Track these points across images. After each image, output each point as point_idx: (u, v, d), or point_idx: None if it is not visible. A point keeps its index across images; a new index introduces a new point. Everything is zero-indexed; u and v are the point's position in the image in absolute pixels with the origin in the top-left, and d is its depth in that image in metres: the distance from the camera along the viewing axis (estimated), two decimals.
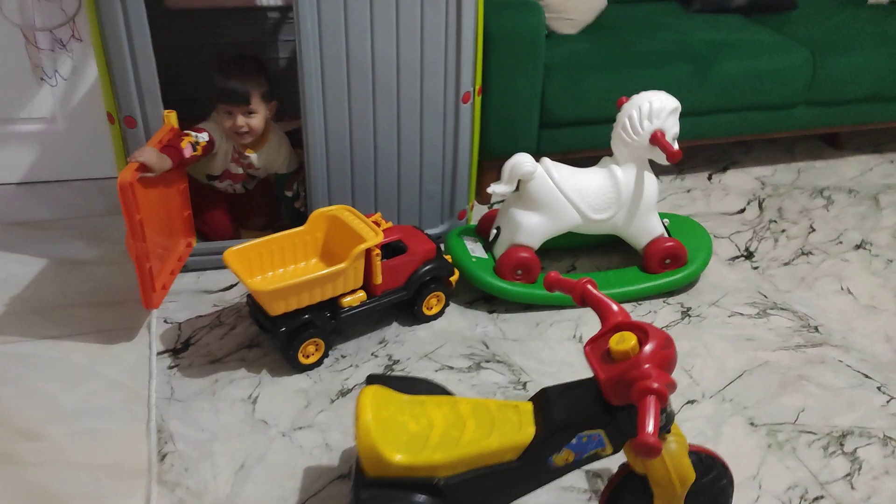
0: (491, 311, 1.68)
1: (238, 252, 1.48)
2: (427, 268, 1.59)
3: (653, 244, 1.73)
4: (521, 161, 1.62)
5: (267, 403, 1.41)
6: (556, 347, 1.57)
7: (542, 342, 1.59)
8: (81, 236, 1.86)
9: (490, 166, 2.01)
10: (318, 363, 1.50)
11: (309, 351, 1.48)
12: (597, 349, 1.03)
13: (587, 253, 1.88)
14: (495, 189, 1.64)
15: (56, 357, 1.50)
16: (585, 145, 2.04)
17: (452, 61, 1.67)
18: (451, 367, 1.51)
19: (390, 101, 1.67)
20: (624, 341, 0.99)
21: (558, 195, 1.64)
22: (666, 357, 0.98)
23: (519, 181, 1.64)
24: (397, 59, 1.63)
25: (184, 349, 1.53)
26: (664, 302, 1.73)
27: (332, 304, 1.49)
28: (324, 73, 1.60)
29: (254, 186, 1.86)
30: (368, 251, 1.48)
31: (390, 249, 1.57)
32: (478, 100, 1.75)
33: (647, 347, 0.98)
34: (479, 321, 1.65)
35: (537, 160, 1.64)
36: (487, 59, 1.84)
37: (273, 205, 1.90)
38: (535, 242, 1.67)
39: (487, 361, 1.53)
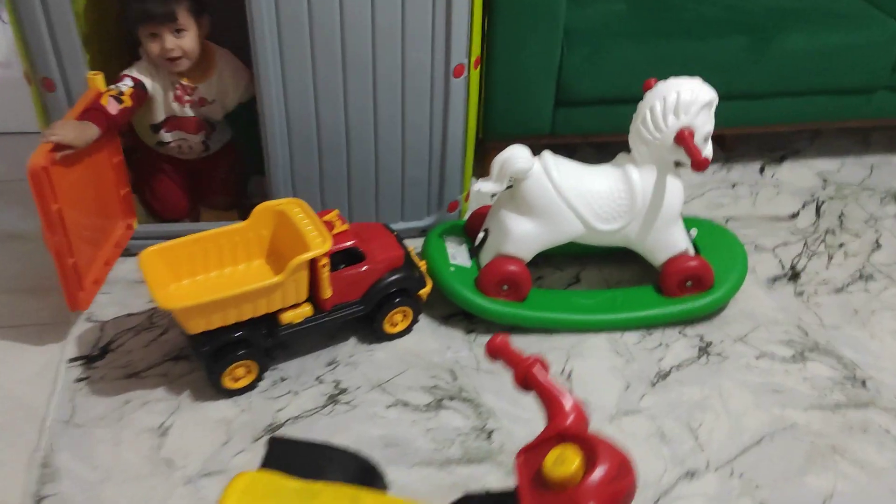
0: (469, 331, 1.42)
1: (160, 252, 1.25)
2: (391, 279, 1.33)
3: (672, 262, 1.43)
4: (514, 156, 1.33)
5: (179, 436, 1.19)
6: None
7: None
8: (20, 202, 1.65)
9: (495, 147, 1.71)
10: (251, 386, 1.27)
11: (238, 374, 1.25)
12: (531, 461, 0.77)
13: (596, 261, 1.58)
14: (481, 187, 1.36)
15: None
16: (609, 128, 1.71)
17: (442, 26, 1.37)
18: (407, 404, 1.27)
19: (363, 71, 1.38)
20: (564, 462, 0.72)
21: (557, 199, 1.35)
22: (617, 493, 0.71)
23: (513, 178, 1.35)
24: (372, 21, 1.33)
25: (100, 356, 1.32)
26: (680, 333, 1.44)
27: (270, 318, 1.26)
28: (280, 34, 1.32)
29: (217, 151, 1.58)
30: (314, 261, 1.23)
31: (350, 255, 1.31)
32: (474, 73, 1.45)
33: (593, 476, 0.71)
34: (453, 343, 1.39)
35: (536, 153, 1.35)
36: (493, 20, 1.53)
37: (240, 180, 1.65)
38: (527, 254, 1.40)
39: (451, 398, 1.28)
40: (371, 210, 1.56)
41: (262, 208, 1.32)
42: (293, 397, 1.27)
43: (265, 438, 1.03)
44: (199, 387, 1.27)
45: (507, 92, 1.62)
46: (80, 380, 1.27)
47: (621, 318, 1.42)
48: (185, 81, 1.46)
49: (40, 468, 1.13)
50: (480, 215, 1.49)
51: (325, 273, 1.25)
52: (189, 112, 1.49)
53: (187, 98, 1.47)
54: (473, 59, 1.44)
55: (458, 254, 1.46)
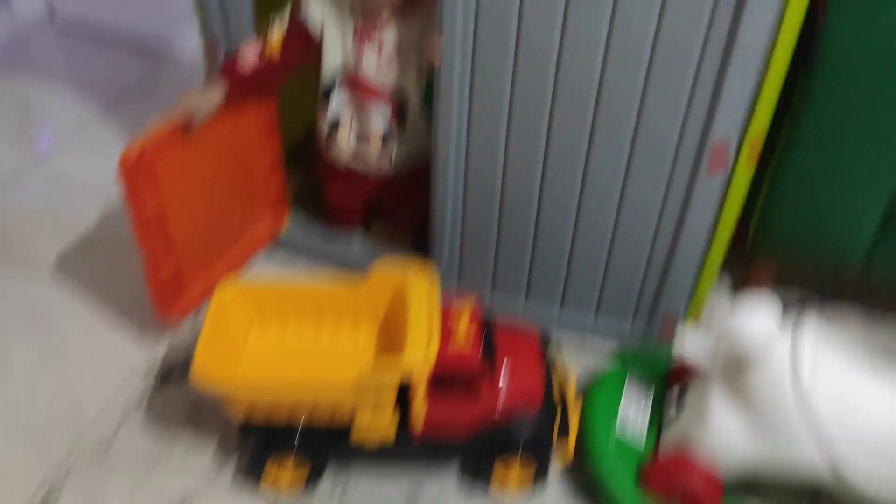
0: None
1: (242, 294, 0.99)
2: (509, 430, 0.93)
3: None
4: (744, 328, 0.83)
5: None
6: None
7: None
8: None
9: (766, 262, 1.19)
10: (306, 485, 0.98)
11: (284, 475, 0.97)
12: None
13: None
14: (686, 347, 0.89)
15: (41, 311, 1.19)
16: None
17: (706, 89, 0.89)
18: None
19: (576, 124, 0.96)
20: None
21: (795, 416, 0.83)
22: None
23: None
24: (603, 59, 0.90)
25: (179, 376, 1.11)
26: None
27: (339, 430, 0.94)
28: (476, 53, 0.94)
29: (404, 171, 1.16)
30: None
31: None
32: (746, 161, 0.95)
33: None
34: None
35: (787, 322, 0.84)
36: (810, 88, 0.98)
37: (426, 200, 1.16)
38: (726, 467, 0.90)
39: None
40: (555, 290, 1.15)
41: (379, 272, 0.99)
42: None
43: None
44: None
45: (806, 190, 1.07)
46: (139, 405, 1.08)
47: None
48: (375, 22, 1.04)
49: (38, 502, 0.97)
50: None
51: (418, 402, 0.90)
52: (371, 70, 1.07)
53: (372, 42, 1.05)
54: (750, 142, 0.93)
55: (635, 413, 1.00)
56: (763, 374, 0.83)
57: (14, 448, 1.02)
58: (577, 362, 1.12)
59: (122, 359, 1.13)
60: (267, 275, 1.25)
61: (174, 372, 1.11)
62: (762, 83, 0.88)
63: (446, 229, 1.12)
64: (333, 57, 1.09)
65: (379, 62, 1.07)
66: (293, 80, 1.12)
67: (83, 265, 1.27)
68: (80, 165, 1.45)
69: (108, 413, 1.07)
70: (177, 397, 1.08)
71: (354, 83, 1.10)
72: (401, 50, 1.06)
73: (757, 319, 0.82)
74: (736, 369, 0.86)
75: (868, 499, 0.84)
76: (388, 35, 1.06)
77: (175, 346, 1.15)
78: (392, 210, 1.29)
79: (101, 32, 1.81)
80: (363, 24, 1.06)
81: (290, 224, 1.27)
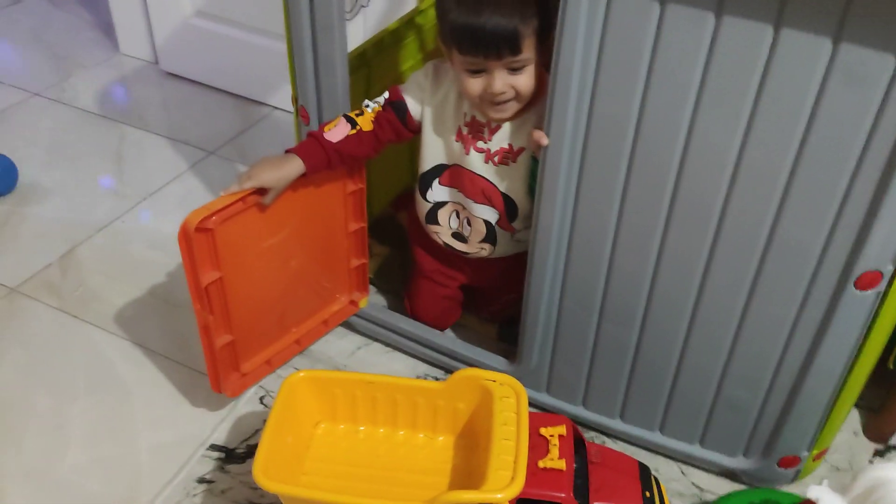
0: None
1: (313, 381, 0.91)
2: None
3: None
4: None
5: None
6: None
7: None
8: None
9: None
10: None
11: None
12: None
13: None
14: (821, 500, 0.76)
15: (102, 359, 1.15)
16: None
17: (859, 209, 0.77)
18: None
19: (697, 230, 0.85)
20: None
21: None
22: None
23: None
24: (736, 164, 0.80)
25: (244, 457, 1.04)
26: None
27: None
28: (587, 141, 0.86)
29: (506, 256, 1.10)
30: None
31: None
32: None
33: None
34: None
35: None
36: None
37: (520, 286, 1.09)
38: None
39: None
40: (655, 417, 1.03)
41: (463, 376, 0.90)
42: None
43: None
44: None
45: None
46: (202, 481, 1.01)
47: None
48: (489, 124, 0.98)
49: None
50: None
51: None
52: (478, 164, 1.01)
53: (480, 146, 1.00)
54: None
55: None
56: None
57: None
58: (676, 496, 1.00)
59: (185, 434, 1.07)
60: (337, 358, 1.18)
61: (237, 456, 1.03)
62: None
63: (538, 330, 1.02)
64: (434, 152, 1.04)
65: (488, 165, 1.01)
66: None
67: (160, 325, 1.22)
68: (171, 218, 1.42)
69: (165, 495, 0.99)
70: (238, 485, 1.01)
71: (457, 175, 1.03)
72: (513, 152, 0.99)
73: None
74: None
75: None
76: (499, 138, 0.99)
77: (241, 426, 1.08)
78: (482, 296, 1.20)
79: (204, 79, 1.82)
80: (471, 125, 1.00)
81: (369, 306, 1.19)
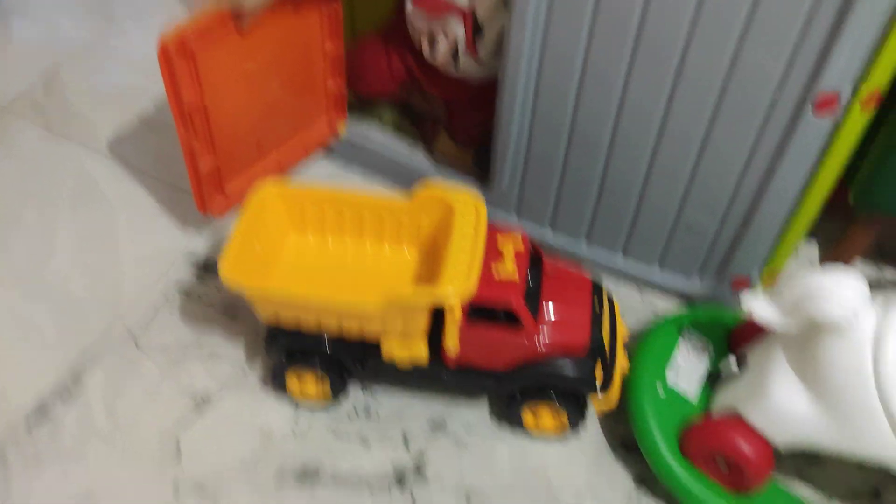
0: (639, 483, 0.92)
1: (282, 194, 0.94)
2: (549, 370, 0.87)
3: None
4: (827, 292, 0.74)
5: (208, 422, 0.94)
6: None
7: None
8: None
9: (866, 225, 1.06)
10: (328, 400, 0.96)
11: (307, 388, 0.94)
12: None
13: None
14: (753, 308, 0.80)
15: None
16: None
17: (820, 32, 0.76)
18: None
19: (662, 58, 0.84)
20: None
21: (872, 397, 0.74)
22: None
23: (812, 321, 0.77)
24: None
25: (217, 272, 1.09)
26: None
27: (370, 343, 0.90)
28: None
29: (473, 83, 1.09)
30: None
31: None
32: (858, 114, 0.82)
33: None
34: (604, 489, 0.91)
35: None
36: None
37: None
38: (782, 441, 0.82)
39: None
40: (618, 239, 1.06)
41: (426, 193, 0.92)
42: (359, 446, 0.93)
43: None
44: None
45: None
46: (177, 295, 1.06)
47: None
48: None
49: (67, 375, 0.97)
50: (762, 328, 0.92)
51: (452, 325, 0.85)
52: None
53: None
54: (867, 93, 0.80)
55: (687, 369, 0.93)
56: (842, 345, 0.74)
57: (52, 319, 1.03)
58: (633, 317, 1.05)
59: (166, 246, 1.11)
60: (315, 180, 1.21)
61: (213, 266, 1.08)
62: (887, 36, 0.75)
63: (509, 153, 1.04)
64: None
65: None
66: None
67: (143, 146, 1.25)
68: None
69: (145, 298, 1.06)
70: (214, 292, 1.07)
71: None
72: None
73: (845, 287, 0.73)
74: (809, 337, 0.77)
75: None
76: None
77: (219, 241, 1.12)
78: (456, 122, 1.21)
79: None
80: None
81: (349, 131, 1.20)
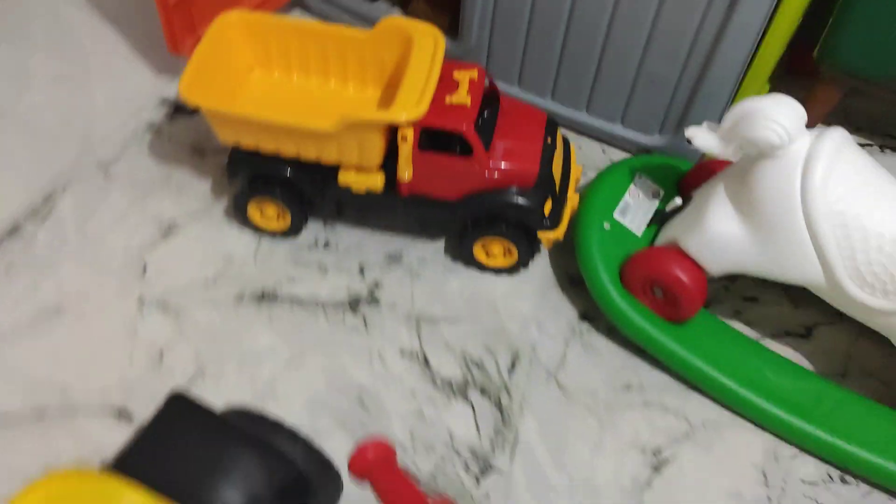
0: (582, 316, 0.96)
1: (246, 22, 0.96)
2: (499, 199, 0.90)
3: None
4: (763, 113, 0.76)
5: (173, 244, 0.98)
6: (606, 456, 0.85)
7: (589, 442, 0.87)
8: None
9: (830, 81, 1.07)
10: (288, 233, 1.00)
11: (268, 213, 0.98)
12: None
13: (835, 322, 0.96)
14: (695, 136, 0.83)
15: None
16: None
17: None
18: (427, 365, 0.91)
19: None
20: None
21: (798, 220, 0.77)
22: None
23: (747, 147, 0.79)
24: None
25: (192, 112, 1.11)
26: None
27: (329, 170, 0.93)
28: None
29: None
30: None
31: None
32: None
33: None
34: (548, 319, 0.95)
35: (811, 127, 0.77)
36: None
37: None
38: (716, 267, 0.86)
39: (483, 392, 0.89)
40: (582, 96, 1.08)
41: (388, 25, 0.94)
42: (317, 273, 0.97)
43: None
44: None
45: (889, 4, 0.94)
46: (147, 133, 1.09)
47: (822, 439, 0.85)
48: None
49: (39, 198, 1.01)
50: (710, 171, 0.95)
51: (405, 150, 0.87)
52: None
53: None
54: None
55: (636, 207, 0.96)
56: (773, 168, 0.77)
57: (25, 148, 1.06)
58: (593, 168, 1.08)
59: (140, 90, 1.14)
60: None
61: (184, 108, 1.11)
62: None
63: (476, 8, 1.05)
64: None
65: None
66: None
67: None
68: None
69: (116, 135, 1.08)
70: (183, 133, 1.09)
71: None
72: None
73: (781, 110, 0.75)
74: (746, 168, 0.79)
75: (861, 309, 0.79)
76: None
77: None
78: None
79: None
80: None
81: None
